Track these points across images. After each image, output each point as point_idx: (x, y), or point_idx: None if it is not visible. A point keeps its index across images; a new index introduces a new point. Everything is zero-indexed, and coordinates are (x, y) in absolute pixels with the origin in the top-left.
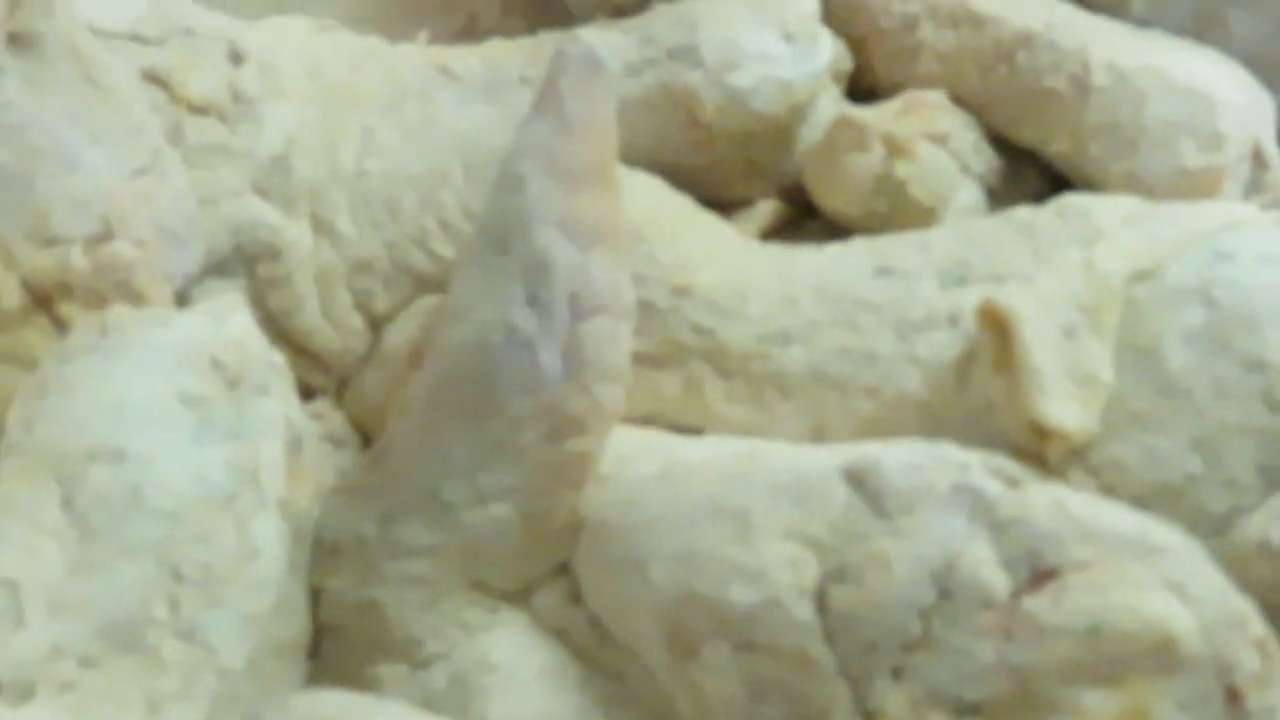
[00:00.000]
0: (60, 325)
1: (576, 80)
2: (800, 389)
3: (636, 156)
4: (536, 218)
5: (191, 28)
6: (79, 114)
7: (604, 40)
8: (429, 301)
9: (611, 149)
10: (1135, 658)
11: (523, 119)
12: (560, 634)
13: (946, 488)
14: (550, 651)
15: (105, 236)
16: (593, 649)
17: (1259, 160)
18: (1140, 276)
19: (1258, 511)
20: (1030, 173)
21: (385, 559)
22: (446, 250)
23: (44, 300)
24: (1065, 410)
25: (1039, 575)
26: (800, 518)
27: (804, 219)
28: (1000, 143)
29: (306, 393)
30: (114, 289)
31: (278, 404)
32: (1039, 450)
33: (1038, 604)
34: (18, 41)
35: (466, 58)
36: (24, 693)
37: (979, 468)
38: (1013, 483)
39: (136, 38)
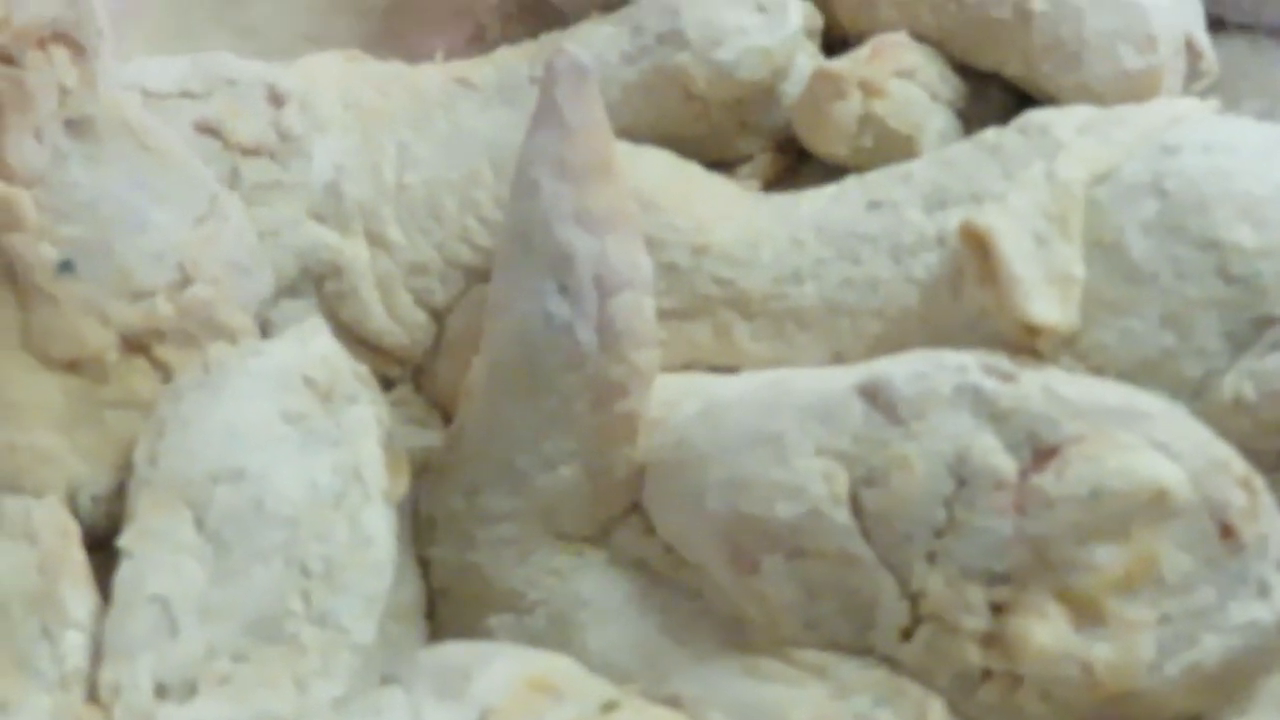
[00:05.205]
0: (160, 367)
1: (568, 88)
2: (816, 320)
3: (643, 133)
4: (554, 216)
5: (233, 78)
6: (139, 179)
7: (598, 35)
8: (483, 290)
9: (609, 143)
10: (1135, 512)
11: (528, 128)
12: (639, 564)
13: (949, 390)
14: (632, 581)
15: (184, 282)
16: (670, 572)
17: (1192, 51)
18: (1098, 179)
19: (1229, 373)
20: (994, 91)
21: (476, 527)
22: (489, 242)
23: (141, 348)
24: (1048, 309)
25: (1041, 454)
26: (827, 435)
27: (800, 164)
28: (964, 69)
29: (387, 384)
30: (200, 326)
31: (368, 408)
32: (1032, 346)
33: (1043, 479)
34: (74, 127)
35: (481, 67)
36: (188, 691)
37: (975, 367)
38: (1006, 376)
39: (186, 94)
